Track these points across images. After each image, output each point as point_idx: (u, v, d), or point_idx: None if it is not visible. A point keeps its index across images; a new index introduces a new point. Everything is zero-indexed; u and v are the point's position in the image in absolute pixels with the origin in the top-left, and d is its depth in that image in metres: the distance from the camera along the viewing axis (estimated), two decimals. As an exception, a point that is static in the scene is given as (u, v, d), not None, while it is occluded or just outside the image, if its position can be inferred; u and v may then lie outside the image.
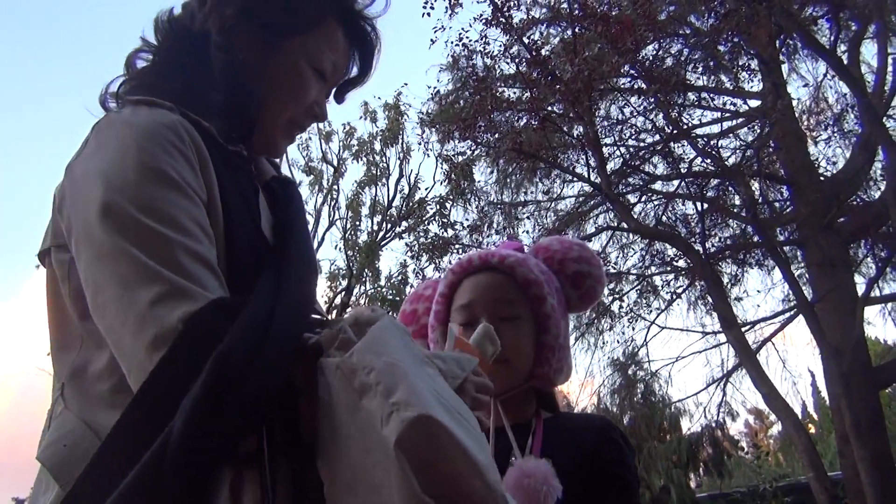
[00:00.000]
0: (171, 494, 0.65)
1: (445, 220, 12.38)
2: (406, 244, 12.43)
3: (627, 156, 10.16)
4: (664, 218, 10.69)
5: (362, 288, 13.52)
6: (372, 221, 13.97)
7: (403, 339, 0.82)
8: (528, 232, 11.09)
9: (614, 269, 10.49)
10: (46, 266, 0.95)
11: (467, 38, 9.22)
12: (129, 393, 0.77)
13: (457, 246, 10.97)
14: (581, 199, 10.94)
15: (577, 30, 8.79)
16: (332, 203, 14.02)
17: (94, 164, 0.87)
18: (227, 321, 0.75)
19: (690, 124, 9.80)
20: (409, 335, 0.84)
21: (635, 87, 9.71)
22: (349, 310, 12.64)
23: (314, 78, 1.10)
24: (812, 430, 17.26)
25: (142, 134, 0.87)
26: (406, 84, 13.77)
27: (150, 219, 0.80)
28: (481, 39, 9.09)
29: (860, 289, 8.67)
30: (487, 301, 1.44)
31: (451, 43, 9.48)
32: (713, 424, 11.68)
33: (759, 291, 12.04)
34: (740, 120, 10.44)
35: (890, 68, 9.10)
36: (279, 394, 0.76)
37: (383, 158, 13.93)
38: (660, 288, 11.06)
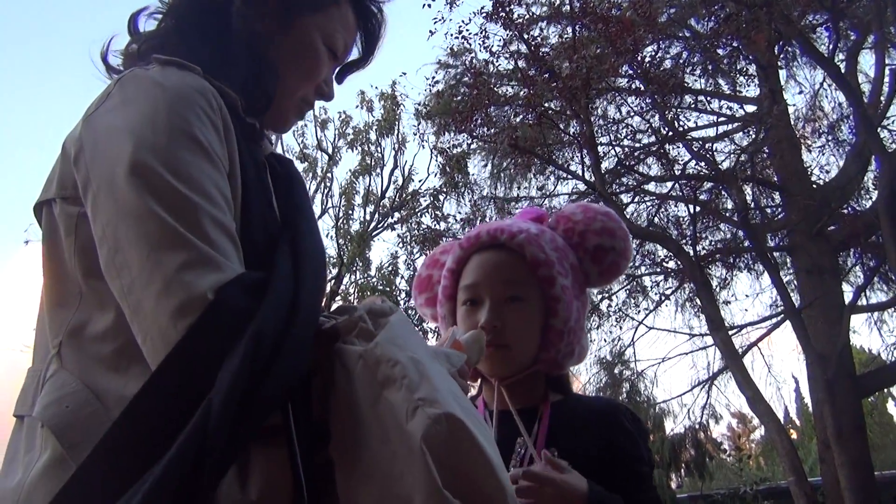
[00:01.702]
0: (214, 471, 0.64)
1: (438, 213, 12.37)
2: (398, 235, 12.42)
3: (622, 156, 10.17)
4: (656, 219, 10.72)
5: (352, 277, 13.50)
6: (365, 211, 13.95)
7: (417, 334, 0.84)
8: (520, 228, 11.06)
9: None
10: (45, 217, 0.92)
11: (467, 31, 9.21)
12: (136, 357, 0.76)
13: (448, 238, 10.97)
14: (574, 197, 10.95)
15: (576, 28, 8.80)
16: (326, 191, 13.99)
17: (120, 119, 0.84)
18: (254, 297, 0.74)
19: (686, 127, 9.83)
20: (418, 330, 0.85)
21: (633, 87, 9.72)
22: (338, 298, 12.64)
23: (327, 56, 1.10)
24: (794, 436, 17.37)
25: (173, 96, 0.85)
26: (404, 73, 13.68)
27: (179, 182, 0.77)
28: (481, 33, 9.08)
29: (847, 297, 8.74)
30: (493, 282, 1.39)
31: (451, 35, 9.47)
32: (696, 426, 11.74)
33: (748, 296, 12.13)
34: (736, 124, 10.47)
35: (887, 79, 9.14)
36: (304, 373, 0.76)
37: (378, 148, 13.89)
38: (649, 288, 11.11)
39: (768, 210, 10.51)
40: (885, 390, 13.88)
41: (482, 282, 1.40)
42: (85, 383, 0.81)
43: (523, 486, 1.18)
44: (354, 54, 1.19)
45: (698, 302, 9.71)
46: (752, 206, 9.91)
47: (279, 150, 1.15)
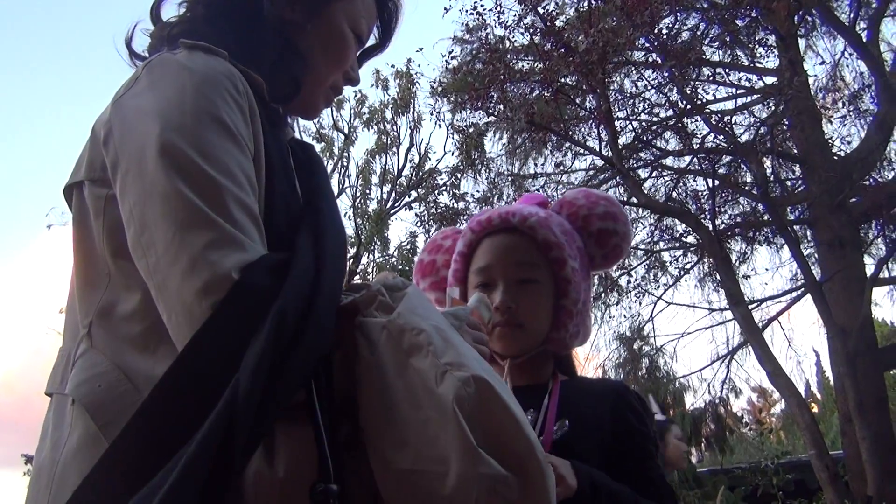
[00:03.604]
0: (244, 450, 0.66)
1: (456, 191, 12.36)
2: (416, 214, 12.44)
3: (640, 130, 10.08)
4: (674, 194, 10.64)
5: (371, 256, 13.55)
6: (382, 190, 13.97)
7: (432, 305, 0.87)
8: (537, 204, 11.01)
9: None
10: (75, 199, 0.94)
11: (482, 6, 9.14)
12: (164, 338, 0.78)
13: (466, 217, 10.96)
14: (592, 172, 10.89)
15: (592, 0, 8.69)
16: (343, 171, 14.02)
17: (148, 101, 0.86)
18: (277, 277, 0.75)
19: (704, 100, 9.71)
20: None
21: (650, 60, 9.61)
22: (357, 278, 12.70)
23: (354, 42, 1.11)
24: (815, 409, 17.28)
25: (200, 79, 0.87)
26: (420, 49, 13.63)
27: (206, 163, 0.79)
28: (496, 8, 9.00)
29: (869, 269, 8.65)
30: (506, 264, 1.41)
31: (465, 11, 9.40)
32: (717, 401, 11.72)
33: (768, 270, 12.00)
34: (755, 96, 10.33)
35: (910, 47, 8.97)
36: (327, 351, 0.78)
37: (394, 127, 13.88)
38: (668, 264, 11.05)
39: (788, 183, 10.39)
40: (908, 363, 13.74)
41: (495, 264, 1.42)
42: (115, 364, 0.83)
43: None
44: (371, 40, 1.20)
45: (717, 276, 9.65)
46: (772, 178, 9.80)
47: (295, 130, 1.17)
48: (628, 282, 10.80)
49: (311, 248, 0.83)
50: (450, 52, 10.30)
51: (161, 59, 0.92)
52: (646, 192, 9.94)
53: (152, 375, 0.78)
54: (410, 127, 13.78)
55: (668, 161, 10.47)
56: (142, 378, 0.81)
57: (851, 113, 9.94)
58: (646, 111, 9.94)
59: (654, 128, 10.24)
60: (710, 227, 8.85)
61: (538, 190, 11.06)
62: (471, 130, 11.07)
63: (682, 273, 10.92)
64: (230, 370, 0.68)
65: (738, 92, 10.45)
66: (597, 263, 1.51)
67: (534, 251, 1.41)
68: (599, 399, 1.37)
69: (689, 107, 9.20)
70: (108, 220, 0.87)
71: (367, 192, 13.95)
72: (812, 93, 9.64)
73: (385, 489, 0.76)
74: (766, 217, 9.62)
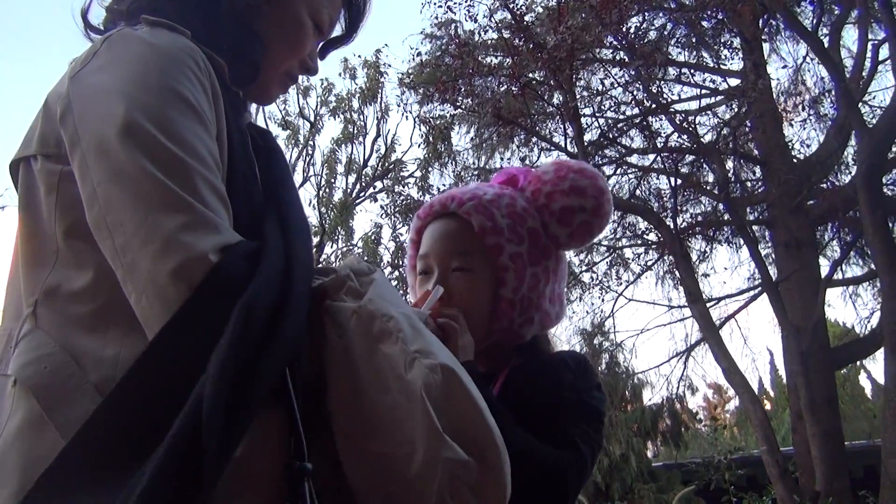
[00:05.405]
0: (211, 459, 0.63)
1: (423, 183, 12.34)
2: (381, 206, 12.40)
3: (605, 127, 10.17)
4: (638, 191, 10.76)
5: (335, 246, 13.48)
6: (347, 180, 13.89)
7: (398, 292, 0.89)
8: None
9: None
10: (22, 174, 0.90)
11: (452, 1, 9.12)
12: (115, 319, 0.77)
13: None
14: (557, 167, 10.92)
15: (562, -3, 8.73)
16: (308, 159, 13.91)
17: (111, 78, 0.83)
18: (251, 266, 0.74)
19: (669, 99, 9.83)
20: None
21: (617, 58, 9.69)
22: (319, 266, 12.61)
23: (313, 30, 1.09)
24: (768, 406, 17.65)
25: (164, 56, 0.85)
26: (386, 45, 13.55)
27: (173, 144, 0.77)
28: (466, 2, 9.00)
29: (824, 271, 8.86)
30: (440, 252, 1.38)
31: (435, 4, 9.37)
32: (673, 396, 11.91)
33: (726, 269, 12.22)
34: (719, 98, 10.49)
35: (869, 54, 9.18)
36: (301, 345, 0.78)
37: (361, 117, 13.80)
38: (630, 260, 11.18)
39: (749, 184, 10.59)
40: (858, 363, 14.14)
41: (431, 252, 1.40)
42: (61, 345, 0.80)
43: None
44: (337, 30, 1.18)
45: (677, 274, 9.80)
46: (733, 179, 9.97)
47: (261, 118, 1.15)
48: (591, 278, 10.91)
49: (280, 241, 0.82)
50: (416, 51, 10.29)
51: (122, 34, 0.89)
52: (610, 188, 10.01)
53: (101, 357, 0.77)
54: (377, 117, 13.73)
55: (633, 159, 10.59)
56: (90, 360, 0.78)
57: (811, 117, 10.17)
58: (612, 109, 10.03)
59: (620, 125, 10.34)
60: (672, 226, 8.98)
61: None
62: (438, 122, 11.05)
63: (644, 270, 11.07)
64: (204, 358, 0.66)
65: (703, 93, 10.61)
66: (563, 243, 1.43)
67: (469, 238, 1.37)
68: (538, 387, 1.31)
69: (654, 106, 9.31)
70: (62, 197, 0.84)
71: (333, 181, 13.87)
72: (774, 96, 9.82)
73: (351, 470, 0.78)
74: (726, 217, 9.79)
